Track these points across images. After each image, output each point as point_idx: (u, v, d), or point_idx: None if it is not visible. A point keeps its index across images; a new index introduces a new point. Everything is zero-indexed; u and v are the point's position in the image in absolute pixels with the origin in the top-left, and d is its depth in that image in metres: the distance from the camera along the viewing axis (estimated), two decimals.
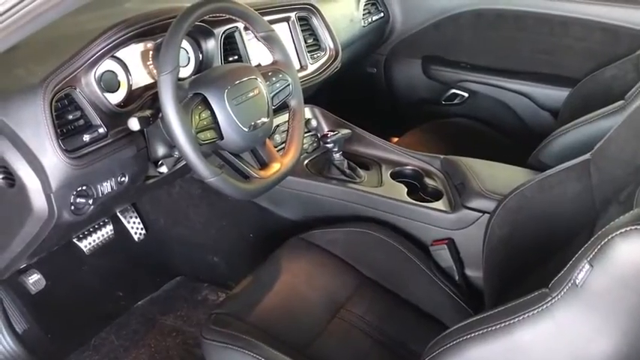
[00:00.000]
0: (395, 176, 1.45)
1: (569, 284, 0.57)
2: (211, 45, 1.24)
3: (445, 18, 2.06)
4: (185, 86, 1.01)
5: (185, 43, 1.21)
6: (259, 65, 1.32)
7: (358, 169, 1.43)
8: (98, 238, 1.45)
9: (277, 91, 1.14)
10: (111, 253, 1.55)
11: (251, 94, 1.04)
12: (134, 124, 0.95)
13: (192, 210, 1.62)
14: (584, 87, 1.73)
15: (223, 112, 0.98)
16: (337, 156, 1.41)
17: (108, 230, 1.47)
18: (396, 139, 2.32)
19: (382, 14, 2.08)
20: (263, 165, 1.12)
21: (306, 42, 1.56)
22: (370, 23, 1.98)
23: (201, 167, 0.93)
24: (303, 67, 1.55)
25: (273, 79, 1.13)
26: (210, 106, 0.98)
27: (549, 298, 0.59)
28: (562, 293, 0.58)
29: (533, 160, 1.36)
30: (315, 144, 1.56)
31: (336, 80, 1.76)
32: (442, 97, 2.20)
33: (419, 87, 2.25)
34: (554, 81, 1.91)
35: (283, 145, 1.43)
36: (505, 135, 2.01)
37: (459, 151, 1.79)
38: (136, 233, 1.62)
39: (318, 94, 1.71)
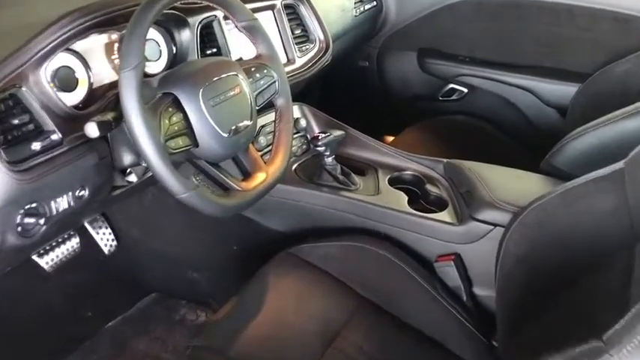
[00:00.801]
0: (393, 182, 1.33)
1: (636, 343, 0.46)
2: (186, 36, 1.11)
3: (442, 7, 1.94)
4: (153, 84, 0.88)
5: (156, 34, 1.08)
6: (241, 60, 1.20)
7: (352, 174, 1.32)
8: (62, 253, 1.30)
9: (261, 88, 1.02)
10: (77, 269, 1.41)
11: (231, 94, 0.91)
12: (92, 130, 0.82)
13: (167, 220, 1.49)
14: (595, 83, 1.63)
15: (198, 114, 0.85)
16: (329, 160, 1.29)
17: (73, 244, 1.34)
18: (391, 138, 2.22)
19: (375, 3, 1.96)
20: (246, 175, 0.99)
21: (293, 33, 1.44)
22: (362, 12, 1.86)
23: (171, 181, 0.80)
24: (290, 61, 1.42)
25: (257, 75, 1.01)
26: (183, 109, 0.85)
27: (606, 356, 0.48)
28: (624, 352, 0.47)
29: (546, 165, 1.25)
30: (304, 146, 1.43)
31: (325, 74, 1.64)
32: (439, 93, 2.08)
33: (414, 82, 2.14)
34: (560, 76, 1.81)
35: (269, 148, 1.32)
36: (508, 133, 1.91)
37: (458, 151, 1.70)
38: (106, 245, 1.48)
39: (305, 89, 1.59)
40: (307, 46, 1.48)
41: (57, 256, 1.29)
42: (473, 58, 1.97)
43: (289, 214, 1.34)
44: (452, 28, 1.98)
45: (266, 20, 1.37)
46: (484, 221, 1.11)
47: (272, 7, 1.39)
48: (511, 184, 1.18)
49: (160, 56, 1.09)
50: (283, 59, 1.41)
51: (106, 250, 1.48)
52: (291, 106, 1.08)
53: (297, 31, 1.45)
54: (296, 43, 1.44)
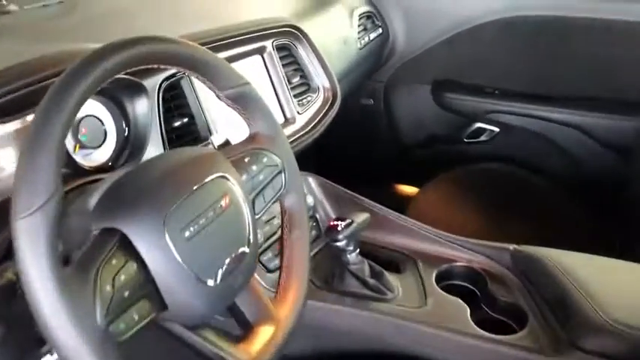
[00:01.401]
0: (441, 279, 1.02)
1: None
2: (142, 107, 0.79)
3: (463, 31, 1.66)
4: (85, 208, 0.55)
5: (98, 107, 0.77)
6: (227, 144, 0.88)
7: (385, 273, 1.00)
8: None
9: (261, 187, 0.70)
10: None
11: (217, 210, 0.59)
12: None
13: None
14: None
15: (163, 260, 0.53)
16: (353, 257, 0.97)
17: None
18: (403, 188, 1.93)
19: (380, 31, 1.67)
20: (245, 327, 0.66)
21: (290, 82, 1.13)
22: (368, 43, 1.57)
23: None
24: (288, 121, 1.12)
25: (253, 167, 0.69)
26: (137, 254, 0.52)
27: None
28: None
29: None
30: (313, 232, 1.12)
31: None
32: (463, 134, 1.79)
33: (430, 121, 1.86)
34: (619, 108, 1.54)
35: (266, 245, 1.01)
36: (556, 183, 1.61)
37: (501, 215, 1.45)
38: None
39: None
40: (309, 98, 1.17)
41: None
42: (504, 91, 1.69)
43: (301, 335, 1.01)
44: (475, 54, 1.70)
45: (254, 69, 1.06)
46: (594, 352, 0.80)
47: (261, 51, 1.08)
48: (622, 289, 0.87)
49: (105, 140, 0.77)
50: (280, 119, 1.10)
51: None
52: (305, 204, 0.76)
53: (295, 79, 1.15)
54: (294, 96, 1.13)
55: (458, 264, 1.04)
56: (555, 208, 1.50)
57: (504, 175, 1.67)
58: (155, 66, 0.59)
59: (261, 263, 1.01)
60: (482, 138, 1.78)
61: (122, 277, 0.50)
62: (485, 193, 1.55)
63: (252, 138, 0.72)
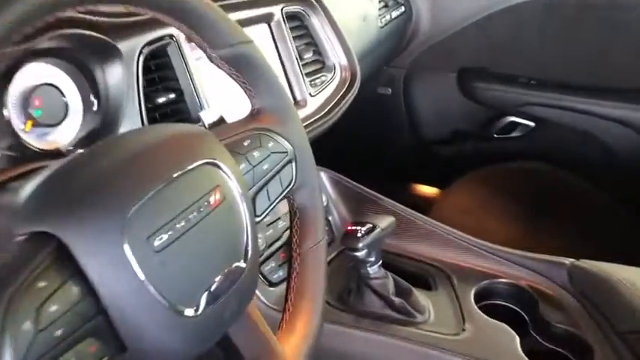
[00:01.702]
0: (480, 298, 0.86)
1: None
2: (116, 75, 0.64)
3: (495, 13, 1.51)
4: (13, 207, 0.39)
5: (58, 75, 0.61)
6: (221, 122, 0.71)
7: (413, 290, 0.84)
8: None
9: (265, 179, 0.54)
10: None
11: (203, 209, 0.43)
12: None
13: None
14: None
15: (121, 282, 0.37)
16: (374, 270, 0.82)
17: None
18: (424, 189, 1.78)
19: (403, 9, 1.51)
20: None
21: (301, 57, 0.97)
22: (390, 21, 1.41)
23: None
24: (299, 104, 0.96)
25: (255, 153, 0.53)
26: (80, 271, 0.36)
27: None
28: None
29: None
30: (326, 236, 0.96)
31: None
32: (493, 128, 1.64)
33: (456, 114, 1.70)
34: None
35: (267, 253, 0.86)
36: (597, 183, 1.45)
37: (538, 217, 1.31)
38: None
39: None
40: (323, 77, 1.01)
41: None
42: (540, 81, 1.53)
43: None
44: (508, 39, 1.54)
45: (259, 39, 0.90)
46: None
47: (267, 19, 0.92)
48: None
49: (66, 116, 0.61)
50: None
51: None
52: (321, 204, 0.60)
53: (307, 55, 0.99)
54: (306, 74, 0.97)
55: (501, 280, 0.88)
56: (597, 211, 1.35)
57: (539, 174, 1.51)
58: (120, 8, 0.43)
59: (261, 275, 0.85)
60: (515, 133, 1.62)
61: (54, 308, 0.34)
62: (518, 196, 1.40)
63: (254, 115, 0.56)
